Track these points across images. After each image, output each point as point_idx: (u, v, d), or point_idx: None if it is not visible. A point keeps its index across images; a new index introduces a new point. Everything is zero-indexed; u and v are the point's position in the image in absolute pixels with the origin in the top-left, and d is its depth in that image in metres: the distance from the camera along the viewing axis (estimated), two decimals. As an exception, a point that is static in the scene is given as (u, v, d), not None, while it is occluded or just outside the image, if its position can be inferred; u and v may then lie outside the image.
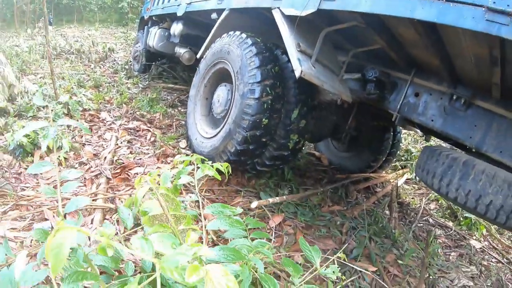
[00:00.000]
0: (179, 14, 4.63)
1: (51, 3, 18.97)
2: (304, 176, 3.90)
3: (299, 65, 2.09)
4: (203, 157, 1.51)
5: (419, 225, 3.85)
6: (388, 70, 2.70)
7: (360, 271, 2.51)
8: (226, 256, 0.94)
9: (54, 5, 19.78)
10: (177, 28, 5.27)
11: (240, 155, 2.61)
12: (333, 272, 1.20)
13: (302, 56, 2.19)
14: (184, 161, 1.32)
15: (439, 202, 4.58)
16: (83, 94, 4.86)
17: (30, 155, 2.87)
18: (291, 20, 2.35)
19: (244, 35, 2.77)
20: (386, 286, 2.45)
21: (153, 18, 6.65)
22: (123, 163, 3.08)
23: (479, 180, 1.92)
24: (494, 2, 1.34)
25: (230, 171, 1.47)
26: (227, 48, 2.90)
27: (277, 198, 2.84)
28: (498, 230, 4.19)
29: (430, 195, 4.73)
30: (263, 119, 2.47)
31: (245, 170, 3.03)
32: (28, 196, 2.35)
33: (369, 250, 2.82)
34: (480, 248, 3.71)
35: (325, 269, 1.20)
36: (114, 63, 8.29)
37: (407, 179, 5.07)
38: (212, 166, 1.30)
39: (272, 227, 2.58)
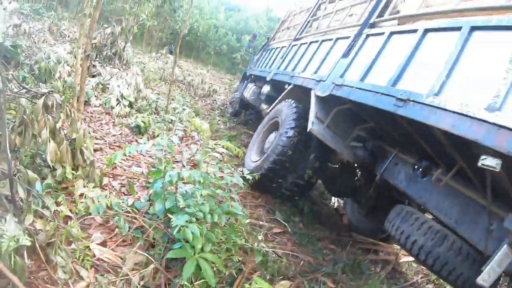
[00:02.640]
0: (268, 79, 6.57)
1: (176, 35, 21.87)
2: (319, 222, 4.91)
3: (311, 125, 3.62)
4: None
5: (402, 289, 4.53)
6: (382, 143, 3.88)
7: (322, 282, 3.43)
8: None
9: (178, 38, 24.00)
10: (265, 88, 7.18)
11: (270, 170, 4.15)
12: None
13: (316, 120, 3.72)
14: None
15: (437, 284, 4.80)
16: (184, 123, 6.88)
17: (141, 134, 4.76)
18: (318, 98, 3.90)
19: (292, 102, 4.45)
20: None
21: (252, 76, 8.79)
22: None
23: (412, 224, 2.73)
24: (400, 94, 2.50)
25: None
26: (281, 108, 4.60)
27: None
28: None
29: (432, 277, 5.11)
30: (288, 151, 4.02)
31: (272, 192, 4.49)
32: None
33: (338, 277, 3.59)
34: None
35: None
36: (213, 102, 10.62)
37: (416, 260, 5.62)
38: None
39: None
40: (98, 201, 2.57)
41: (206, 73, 15.79)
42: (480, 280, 2.03)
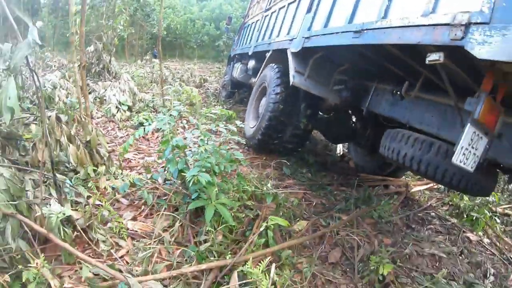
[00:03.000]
0: (250, 53, 6.87)
1: (155, 39, 22.51)
2: (326, 170, 5.23)
3: (292, 78, 3.94)
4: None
5: (419, 215, 4.29)
6: (361, 81, 4.17)
7: (337, 218, 3.68)
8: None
9: (157, 40, 24.21)
10: (251, 63, 7.49)
11: (267, 128, 4.55)
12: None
13: (296, 74, 4.04)
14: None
15: (453, 205, 4.70)
16: (181, 107, 7.25)
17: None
18: (293, 54, 4.21)
19: (274, 65, 4.75)
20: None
21: (236, 56, 9.09)
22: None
23: (400, 141, 2.84)
24: (356, 27, 2.81)
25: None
26: (265, 73, 4.92)
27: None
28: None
29: (446, 199, 4.93)
30: (279, 106, 4.40)
31: (275, 149, 4.85)
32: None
33: (351, 211, 3.81)
34: (476, 241, 3.86)
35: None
36: (206, 90, 10.96)
37: (432, 187, 5.45)
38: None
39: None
40: (123, 180, 2.95)
41: (194, 67, 16.09)
42: (455, 159, 2.07)
